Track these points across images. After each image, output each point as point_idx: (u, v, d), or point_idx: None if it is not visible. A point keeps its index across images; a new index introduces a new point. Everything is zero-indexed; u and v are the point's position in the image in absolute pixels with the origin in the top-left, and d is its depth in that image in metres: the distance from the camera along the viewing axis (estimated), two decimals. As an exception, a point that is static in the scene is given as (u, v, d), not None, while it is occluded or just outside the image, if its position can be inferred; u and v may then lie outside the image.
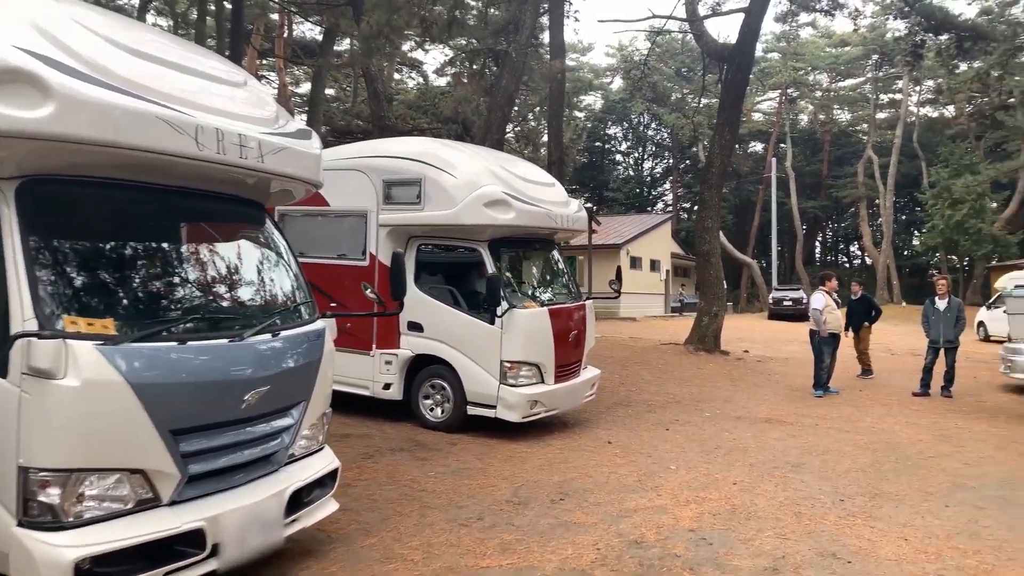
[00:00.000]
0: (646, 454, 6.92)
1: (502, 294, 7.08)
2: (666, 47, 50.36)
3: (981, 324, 24.80)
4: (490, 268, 7.21)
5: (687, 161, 57.25)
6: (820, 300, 10.97)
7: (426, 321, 7.54)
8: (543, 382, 7.40)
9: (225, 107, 3.75)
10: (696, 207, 37.69)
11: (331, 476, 4.28)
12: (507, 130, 29.82)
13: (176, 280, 3.75)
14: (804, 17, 47.41)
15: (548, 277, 8.76)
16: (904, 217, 53.54)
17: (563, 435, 7.64)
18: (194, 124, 3.40)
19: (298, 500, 3.93)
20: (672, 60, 49.83)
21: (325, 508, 4.24)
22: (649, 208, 56.50)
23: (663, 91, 50.19)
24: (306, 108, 26.53)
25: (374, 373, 7.74)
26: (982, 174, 37.11)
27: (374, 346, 7.74)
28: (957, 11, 26.56)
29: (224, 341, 3.53)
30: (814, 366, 11.10)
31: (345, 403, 7.92)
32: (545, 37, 19.82)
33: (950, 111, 50.41)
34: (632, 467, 6.40)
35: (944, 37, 18.96)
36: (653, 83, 36.16)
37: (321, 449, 4.35)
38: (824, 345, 10.94)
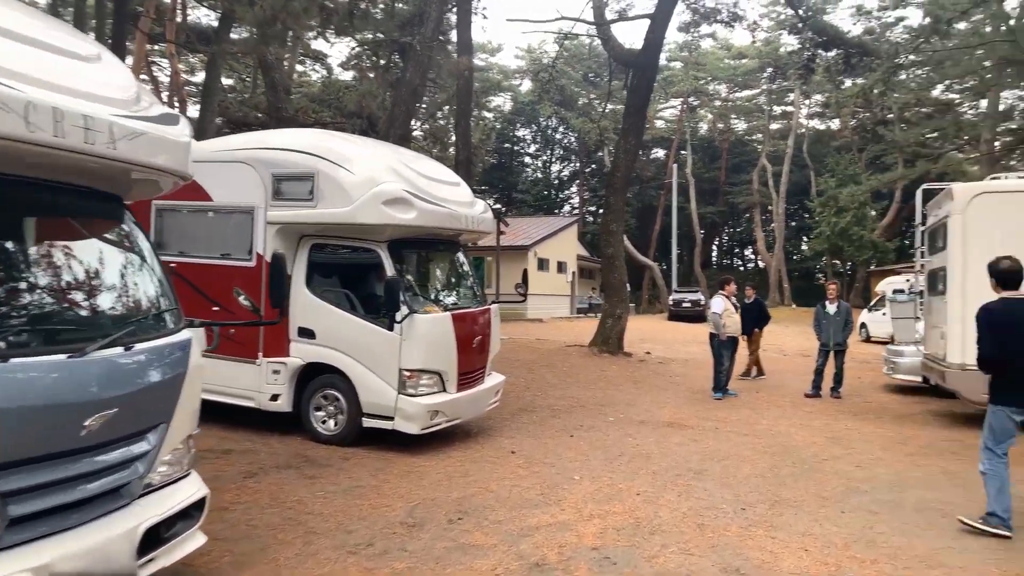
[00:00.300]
0: (550, 464, 6.71)
1: (401, 298, 6.69)
2: (574, 52, 51.12)
3: (863, 325, 26.32)
4: (389, 271, 6.80)
5: (593, 165, 58.26)
6: (719, 304, 11.17)
7: (319, 327, 7.05)
8: (445, 391, 7.06)
9: (69, 83, 3.19)
10: (601, 210, 38.38)
11: (197, 506, 3.78)
12: (415, 128, 29.30)
13: (3, 285, 3.18)
14: (705, 28, 49.32)
15: (452, 280, 8.43)
16: (794, 223, 56.48)
17: (465, 446, 7.32)
18: (23, 100, 2.85)
19: (156, 536, 3.42)
20: (580, 65, 50.59)
21: (190, 543, 3.73)
22: (557, 211, 57.12)
23: (571, 95, 50.85)
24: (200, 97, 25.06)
25: (260, 383, 7.17)
26: (864, 184, 39.56)
27: (260, 354, 7.17)
28: (845, 29, 28.13)
29: (62, 357, 3.00)
30: (713, 369, 11.29)
31: (229, 415, 7.34)
32: (453, 35, 19.52)
33: (835, 124, 53.66)
34: (535, 479, 6.16)
35: (833, 53, 19.95)
36: (561, 87, 36.44)
37: (186, 476, 3.83)
38: (723, 348, 11.14)
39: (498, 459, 6.82)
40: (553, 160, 63.39)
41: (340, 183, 6.82)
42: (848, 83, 43.79)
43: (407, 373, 6.74)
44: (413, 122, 33.06)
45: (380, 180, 6.78)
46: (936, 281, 9.79)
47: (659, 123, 56.01)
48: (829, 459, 7.22)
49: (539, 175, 61.92)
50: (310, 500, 5.35)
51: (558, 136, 60.99)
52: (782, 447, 7.71)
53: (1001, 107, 39.01)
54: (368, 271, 7.18)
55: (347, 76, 34.26)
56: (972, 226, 8.58)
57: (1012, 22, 26.63)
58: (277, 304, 4.41)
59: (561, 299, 36.47)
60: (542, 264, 33.42)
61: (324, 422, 7.11)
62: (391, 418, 6.75)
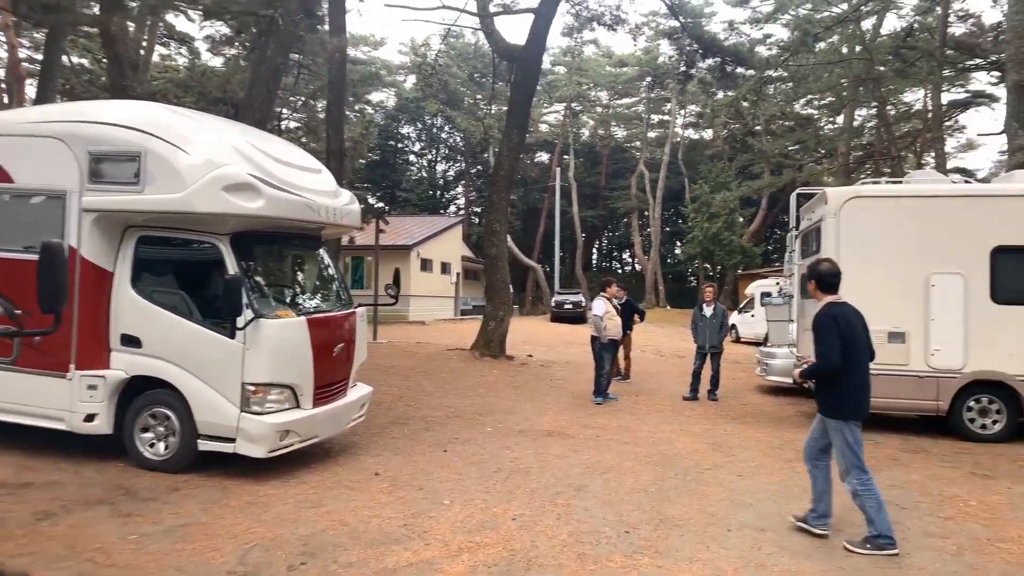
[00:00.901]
0: (418, 486, 6.00)
1: (245, 300, 5.77)
2: (460, 50, 50.63)
3: (733, 327, 27.36)
4: (231, 268, 5.86)
5: (479, 166, 57.88)
6: (601, 306, 10.87)
7: (145, 334, 5.99)
8: (299, 407, 6.19)
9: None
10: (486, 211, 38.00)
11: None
12: (286, 116, 27.67)
13: None
14: (588, 35, 50.19)
15: (311, 280, 7.52)
16: (668, 228, 58.53)
17: (322, 468, 6.47)
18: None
19: None
20: (466, 64, 50.11)
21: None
22: (442, 211, 56.30)
23: (456, 94, 50.26)
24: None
25: (72, 401, 6.00)
26: (734, 192, 41.48)
27: (72, 366, 6.00)
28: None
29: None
30: (595, 373, 10.97)
31: (35, 438, 6.13)
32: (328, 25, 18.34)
33: (708, 134, 56.14)
34: (400, 506, 5.43)
35: (710, 62, 20.48)
36: (445, 82, 35.71)
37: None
38: (604, 351, 10.85)
39: (359, 483, 6.03)
40: (438, 159, 62.57)
41: (173, 164, 5.80)
42: (721, 95, 46.03)
43: (252, 388, 5.82)
44: (287, 112, 31.30)
45: (221, 162, 5.83)
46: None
47: (543, 127, 56.50)
48: (711, 468, 6.95)
49: (424, 174, 60.85)
50: (117, 547, 4.37)
51: (444, 135, 60.24)
52: (664, 456, 7.39)
53: (855, 123, 42.16)
54: (207, 269, 6.15)
55: (218, 62, 31.98)
56: (845, 229, 8.67)
57: (866, 42, 28.66)
58: (49, 308, 3.45)
59: (445, 300, 35.75)
60: (425, 265, 32.55)
61: (152, 445, 6.05)
62: (232, 440, 5.81)
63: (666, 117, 54.71)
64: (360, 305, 7.42)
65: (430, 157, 61.76)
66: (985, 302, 8.28)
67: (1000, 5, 45.05)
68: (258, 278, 6.45)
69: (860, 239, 8.63)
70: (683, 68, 20.63)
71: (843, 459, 4.85)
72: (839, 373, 4.80)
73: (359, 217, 7.64)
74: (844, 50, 32.01)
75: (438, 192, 60.57)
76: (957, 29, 35.81)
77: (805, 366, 5.29)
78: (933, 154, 39.75)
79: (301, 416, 6.12)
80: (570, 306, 35.11)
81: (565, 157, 54.32)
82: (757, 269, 43.44)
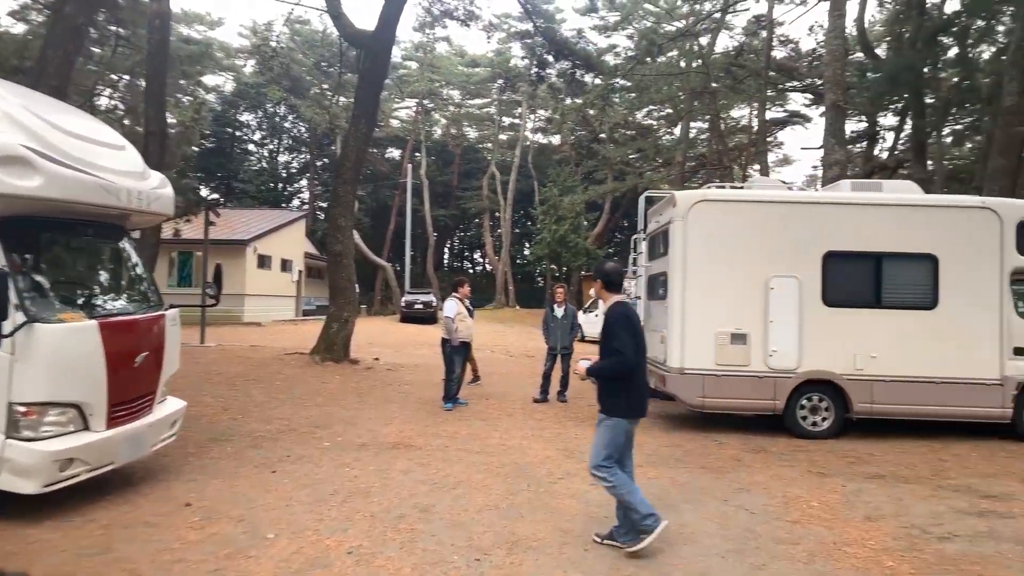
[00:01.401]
0: (237, 517, 5.16)
1: (15, 300, 4.67)
2: (307, 37, 48.17)
3: (579, 326, 27.97)
4: (-3, 260, 4.72)
5: (325, 159, 55.55)
6: (452, 307, 10.36)
7: None
8: (88, 428, 5.13)
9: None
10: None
11: None
12: (102, 92, 24.73)
13: None
14: (440, 32, 49.67)
15: (110, 277, 6.36)
16: (519, 230, 59.38)
17: (119, 501, 5.43)
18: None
19: None
20: (312, 51, 47.75)
21: None
22: (284, 204, 53.38)
23: (302, 82, 47.81)
24: None
25: None
26: (580, 196, 42.73)
27: None
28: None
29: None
30: (444, 377, 10.46)
31: None
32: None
33: (557, 140, 57.59)
34: (212, 544, 4.59)
35: (562, 64, 20.67)
36: (287, 67, 33.63)
37: None
38: (455, 354, 10.36)
39: (164, 517, 5.08)
40: (281, 150, 59.30)
41: (-88, 129, 4.57)
42: (569, 101, 47.27)
43: (22, 408, 4.72)
44: (107, 92, 28.04)
45: (-19, 129, 4.67)
46: (656, 286, 9.98)
47: (395, 122, 55.26)
48: (564, 477, 6.65)
49: (265, 165, 57.40)
50: None
51: (287, 125, 57.19)
52: (516, 466, 7.00)
53: (691, 135, 44.85)
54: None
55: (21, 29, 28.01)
56: (693, 232, 8.76)
57: (703, 57, 30.42)
58: None
59: (285, 300, 33.73)
60: (263, 262, 30.48)
61: None
62: (-6, 473, 4.68)
63: (517, 120, 55.43)
64: (172, 306, 6.38)
65: (272, 147, 58.43)
66: (817, 305, 8.68)
67: (815, 34, 49.72)
68: (37, 274, 5.29)
69: (707, 242, 8.76)
70: (535, 70, 20.66)
71: (598, 452, 4.79)
72: (632, 371, 4.69)
73: (171, 203, 6.57)
74: (683, 64, 33.90)
75: (280, 185, 57.42)
76: (779, 53, 39.14)
77: (584, 362, 5.05)
78: (758, 166, 43.24)
79: (90, 440, 5.07)
80: (421, 306, 34.46)
81: (417, 155, 53.48)
82: (601, 271, 44.90)
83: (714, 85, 31.10)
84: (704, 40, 31.79)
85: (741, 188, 9.48)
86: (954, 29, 24.72)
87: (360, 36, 15.75)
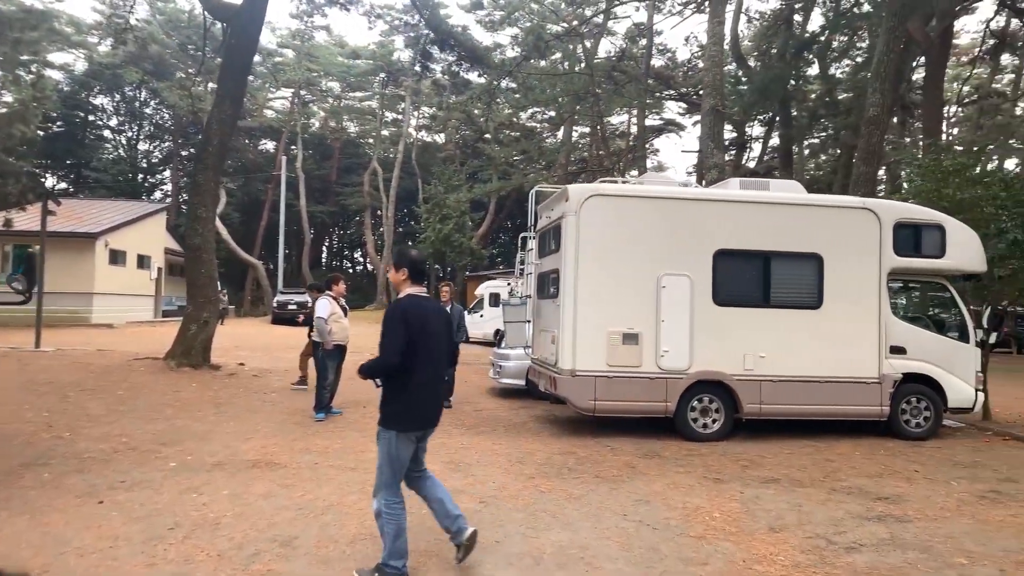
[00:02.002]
0: (42, 567, 4.10)
1: None
2: (171, 16, 44.66)
3: (465, 328, 27.42)
4: None
5: (191, 148, 51.78)
6: (325, 307, 9.40)
7: None
8: None
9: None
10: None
11: None
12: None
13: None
14: (320, 20, 47.61)
15: None
16: (402, 229, 58.01)
17: None
18: None
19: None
20: (177, 32, 44.30)
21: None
22: (144, 196, 49.19)
23: (166, 65, 44.26)
24: None
25: None
26: (464, 194, 42.23)
27: None
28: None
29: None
30: (316, 384, 9.48)
31: None
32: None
33: (441, 138, 56.76)
34: (-5, 610, 3.54)
35: (449, 57, 19.96)
36: (146, 44, 30.83)
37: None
38: (329, 359, 9.41)
39: (-67, 575, 3.94)
40: (142, 138, 54.71)
41: None
42: (454, 98, 46.66)
43: None
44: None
45: None
46: (547, 284, 9.50)
47: (269, 112, 52.38)
48: (454, 493, 5.93)
49: (122, 153, 52.74)
50: None
51: (148, 111, 52.83)
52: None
53: (573, 138, 45.45)
54: None
55: None
56: (585, 227, 8.33)
57: (587, 60, 30.65)
58: None
59: (143, 299, 30.87)
60: (116, 257, 27.67)
61: None
62: None
63: (400, 116, 54.11)
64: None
65: (131, 134, 53.79)
66: (708, 304, 8.48)
67: (691, 44, 51.78)
68: None
69: (600, 238, 8.36)
70: (420, 60, 19.84)
71: (379, 473, 4.12)
72: (399, 373, 4.03)
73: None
74: (566, 66, 34.08)
75: (140, 175, 52.96)
76: (657, 62, 40.38)
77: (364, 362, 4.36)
78: (636, 171, 44.38)
79: None
80: (294, 307, 32.63)
81: (293, 147, 50.93)
82: (485, 271, 44.76)
83: (597, 91, 31.49)
84: (588, 43, 32.08)
85: (634, 184, 9.14)
86: (815, 46, 26.25)
87: (226, 9, 14.34)
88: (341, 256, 67.86)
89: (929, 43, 19.35)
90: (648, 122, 44.01)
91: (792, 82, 25.51)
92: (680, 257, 8.47)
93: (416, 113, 53.79)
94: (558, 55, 36.03)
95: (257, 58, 47.27)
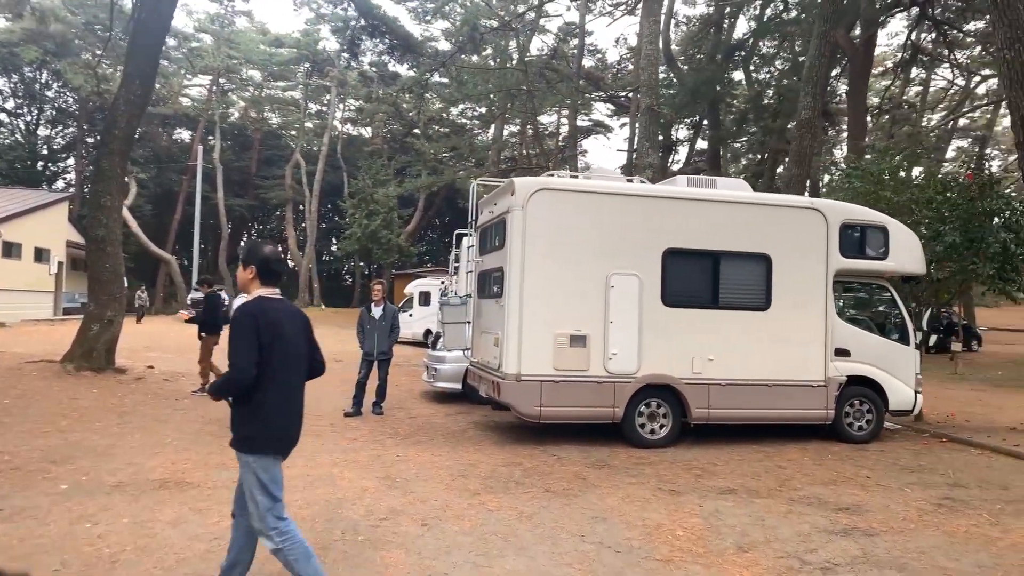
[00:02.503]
0: None
1: None
2: (76, -8, 41.64)
3: (398, 328, 26.58)
4: None
5: (97, 135, 48.53)
6: (246, 306, 8.57)
7: None
8: None
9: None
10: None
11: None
12: None
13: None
14: (240, 4, 45.50)
15: None
16: (324, 224, 56.27)
17: None
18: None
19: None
20: (83, 11, 41.36)
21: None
22: (46, 185, 45.79)
23: (69, 45, 41.24)
24: None
25: None
26: (394, 188, 41.27)
27: None
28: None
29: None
30: (236, 390, 8.63)
31: None
32: None
33: (368, 132, 55.35)
34: None
35: (381, 45, 19.11)
36: (46, 18, 28.47)
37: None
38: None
39: None
40: (42, 123, 50.95)
41: None
42: (382, 92, 45.50)
43: None
44: None
45: None
46: (489, 283, 8.98)
47: (185, 100, 49.73)
48: (389, 518, 5.35)
49: (19, 138, 48.94)
50: None
51: (50, 94, 49.19)
52: (327, 506, 5.58)
53: (503, 136, 45.05)
54: None
55: None
56: (532, 223, 7.85)
57: (520, 56, 30.25)
58: None
59: (41, 296, 28.59)
60: (10, 250, 25.47)
61: None
62: None
63: (325, 108, 52.43)
64: None
65: (29, 119, 50.01)
66: (657, 305, 8.16)
67: (620, 46, 52.22)
68: None
69: (547, 234, 7.90)
70: (349, 48, 18.93)
71: (255, 504, 3.51)
72: (253, 389, 3.45)
73: None
74: (498, 61, 33.66)
75: (40, 163, 49.33)
76: (587, 62, 40.47)
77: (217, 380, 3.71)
78: (568, 171, 44.45)
79: None
80: (211, 304, 30.91)
81: (210, 138, 48.52)
82: (412, 269, 43.89)
83: (530, 88, 31.16)
84: (521, 39, 31.70)
85: (582, 179, 8.73)
86: (742, 53, 26.69)
87: (135, -20, 13.16)
88: (261, 252, 65.22)
89: (854, 51, 19.87)
90: (577, 123, 44.09)
91: (719, 86, 25.86)
92: (629, 256, 8.11)
93: (342, 105, 52.25)
94: (489, 51, 35.56)
95: (172, 42, 45.04)
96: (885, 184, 10.21)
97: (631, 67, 38.13)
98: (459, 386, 11.22)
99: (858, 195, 10.52)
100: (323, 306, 45.03)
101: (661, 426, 8.23)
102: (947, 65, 32.60)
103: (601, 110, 47.71)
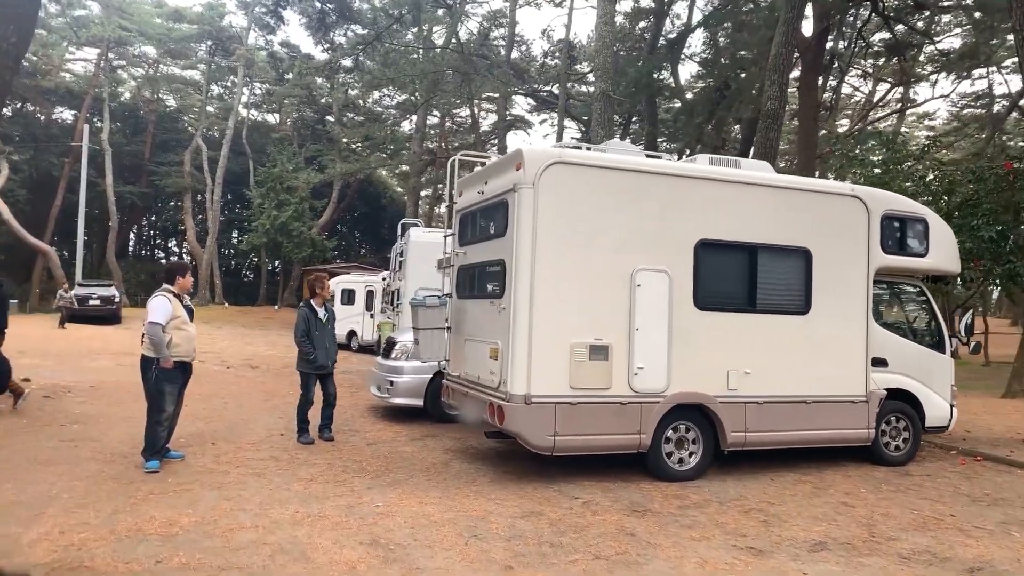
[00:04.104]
0: None
1: None
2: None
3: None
4: None
5: (-39, 109, 42.91)
6: (163, 307, 6.53)
7: None
8: None
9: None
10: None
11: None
12: None
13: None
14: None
15: None
16: (226, 215, 52.22)
17: None
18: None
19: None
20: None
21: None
22: None
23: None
24: None
25: None
26: (312, 176, 38.61)
27: None
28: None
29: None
30: (147, 417, 6.58)
31: None
32: None
33: (275, 118, 51.86)
34: None
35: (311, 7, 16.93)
36: None
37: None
38: (167, 381, 6.55)
39: None
40: None
41: None
42: (292, 75, 42.48)
43: None
44: None
45: None
46: (477, 280, 7.33)
47: (67, 75, 44.71)
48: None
49: None
50: None
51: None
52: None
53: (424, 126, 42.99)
54: None
55: None
56: (545, 204, 6.26)
57: (449, 42, 28.45)
58: None
59: None
60: None
61: None
62: None
63: (228, 90, 48.62)
64: None
65: None
66: (688, 308, 6.75)
67: (547, 37, 51.08)
68: None
69: (563, 220, 6.34)
70: (272, 8, 16.67)
71: None
72: None
73: None
74: (424, 43, 31.76)
75: None
76: (514, 53, 39.07)
77: None
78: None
79: None
80: (98, 302, 27.60)
81: (97, 119, 43.80)
82: (322, 265, 41.26)
83: (451, 72, 29.41)
84: (453, 19, 29.90)
85: (597, 152, 7.16)
86: (687, 45, 25.95)
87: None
88: (153, 244, 60.12)
89: (807, 46, 19.36)
90: (505, 114, 42.65)
91: (664, 75, 25.11)
92: (658, 248, 6.67)
93: (248, 88, 48.58)
94: (411, 36, 33.62)
95: (53, 8, 40.24)
96: (906, 174, 9.26)
97: (557, 61, 37.12)
98: (420, 402, 9.49)
99: (873, 187, 9.52)
100: (227, 304, 41.58)
101: (690, 454, 6.84)
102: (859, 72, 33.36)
103: (522, 104, 46.46)
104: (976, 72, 30.31)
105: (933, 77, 31.68)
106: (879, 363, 7.64)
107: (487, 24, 35.57)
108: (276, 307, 39.95)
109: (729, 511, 5.82)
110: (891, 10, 19.66)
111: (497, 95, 37.51)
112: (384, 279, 15.11)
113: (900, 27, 20.81)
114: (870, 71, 33.61)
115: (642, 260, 6.58)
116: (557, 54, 38.10)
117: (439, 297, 7.61)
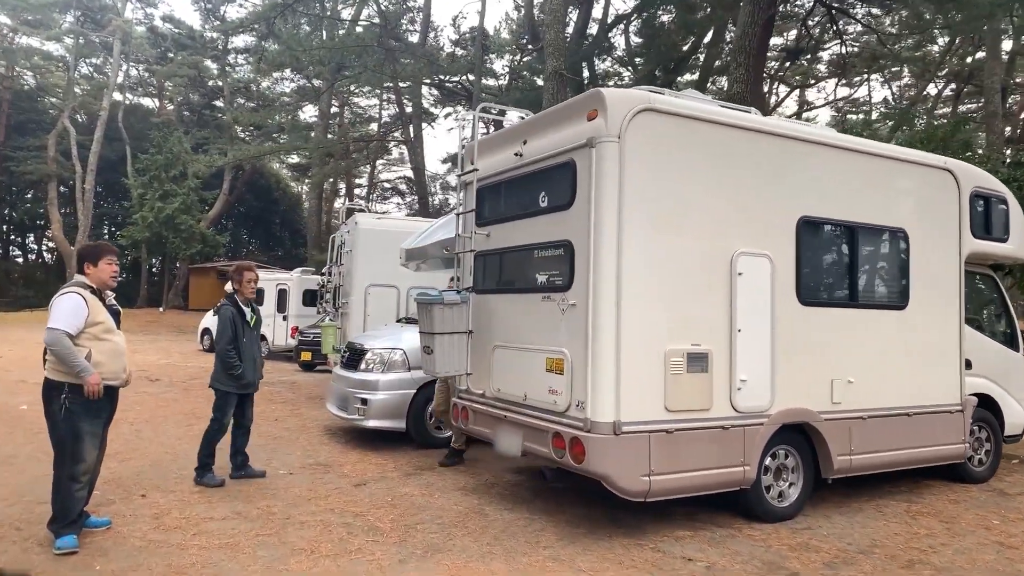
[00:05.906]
0: None
1: None
2: None
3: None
4: None
5: None
6: (74, 310, 4.42)
7: None
8: None
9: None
10: None
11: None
12: None
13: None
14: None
15: None
16: (102, 205, 46.74)
17: None
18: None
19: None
20: None
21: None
22: None
23: None
24: None
25: None
26: (214, 159, 35.05)
27: None
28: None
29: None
30: (55, 471, 4.44)
31: None
32: None
33: (155, 102, 47.01)
34: None
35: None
36: None
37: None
38: (85, 415, 4.43)
39: None
40: None
41: None
42: (177, 56, 38.55)
43: None
44: None
45: None
46: (519, 269, 5.62)
47: None
48: None
49: None
50: None
51: None
52: None
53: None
54: None
55: None
56: (633, 166, 4.66)
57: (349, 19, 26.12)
58: None
59: None
60: None
61: None
62: None
63: (98, 69, 43.51)
64: None
65: None
66: (791, 302, 5.36)
67: (458, 25, 49.41)
68: None
69: (655, 188, 4.77)
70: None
71: None
72: None
73: None
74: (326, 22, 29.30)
75: None
76: (417, 39, 37.02)
77: None
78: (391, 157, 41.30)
79: None
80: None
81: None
82: (210, 262, 37.79)
83: (357, 53, 27.16)
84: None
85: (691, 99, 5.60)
86: (616, 31, 25.01)
87: None
88: (9, 240, 53.16)
89: (753, 34, 18.72)
90: (397, 109, 40.58)
91: (596, 61, 24.04)
92: (758, 226, 5.23)
93: (124, 68, 43.66)
94: (304, 20, 31.03)
95: None
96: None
97: (469, 51, 35.57)
98: (402, 424, 7.63)
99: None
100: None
101: (790, 485, 5.45)
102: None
103: (426, 95, 44.34)
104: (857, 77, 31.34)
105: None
106: (970, 366, 6.58)
107: (397, 4, 33.42)
108: (161, 309, 35.92)
109: (888, 567, 4.45)
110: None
111: (407, 83, 35.40)
112: (324, 275, 12.91)
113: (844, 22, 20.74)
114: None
115: (742, 242, 5.12)
116: (469, 44, 36.52)
117: (460, 292, 5.82)
